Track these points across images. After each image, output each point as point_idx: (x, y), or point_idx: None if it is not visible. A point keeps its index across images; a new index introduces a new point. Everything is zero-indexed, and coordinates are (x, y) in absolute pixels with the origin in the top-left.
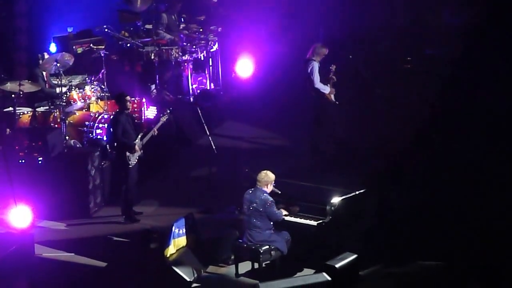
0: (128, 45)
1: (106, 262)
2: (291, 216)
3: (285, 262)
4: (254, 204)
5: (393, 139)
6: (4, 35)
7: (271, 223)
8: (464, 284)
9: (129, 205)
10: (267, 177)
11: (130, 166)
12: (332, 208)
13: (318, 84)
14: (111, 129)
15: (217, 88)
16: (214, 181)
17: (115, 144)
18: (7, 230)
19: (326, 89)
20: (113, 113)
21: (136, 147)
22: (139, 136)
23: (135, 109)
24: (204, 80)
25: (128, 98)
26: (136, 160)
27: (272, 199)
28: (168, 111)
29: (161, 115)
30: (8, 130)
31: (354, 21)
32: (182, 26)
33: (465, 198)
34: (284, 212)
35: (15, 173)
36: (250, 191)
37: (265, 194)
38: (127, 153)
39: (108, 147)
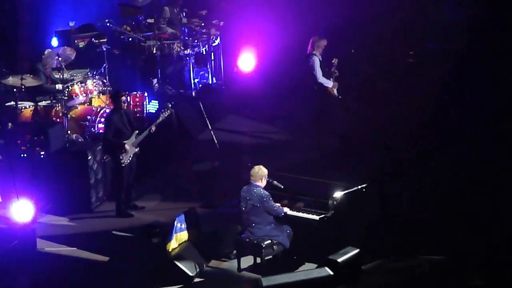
0: (130, 39)
1: (108, 257)
2: (293, 211)
3: (287, 257)
4: (251, 201)
5: (395, 133)
6: (6, 29)
7: (271, 217)
8: (466, 279)
9: (121, 202)
10: (261, 171)
11: (123, 165)
12: (334, 202)
13: (321, 79)
14: (104, 127)
15: (219, 83)
16: (216, 176)
17: (105, 144)
18: (9, 225)
19: (329, 83)
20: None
21: (126, 146)
22: (134, 134)
23: (137, 103)
24: (206, 75)
25: (123, 98)
26: (130, 159)
27: (267, 193)
28: (170, 106)
29: (162, 110)
30: (10, 124)
31: (355, 15)
32: (184, 20)
33: (467, 192)
34: (286, 209)
35: (17, 167)
36: (245, 189)
37: (260, 189)
38: (118, 153)
39: None
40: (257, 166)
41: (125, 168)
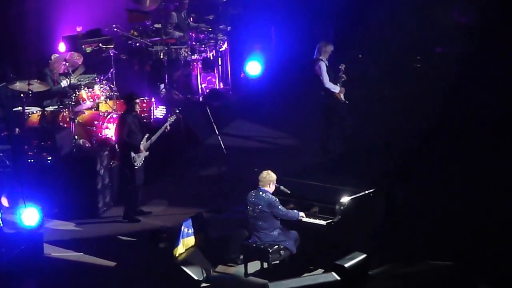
0: (137, 44)
1: (115, 262)
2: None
3: (294, 262)
4: (259, 206)
5: (403, 138)
6: (13, 34)
7: (279, 223)
8: (474, 284)
9: (131, 205)
10: (270, 176)
11: (136, 167)
12: (342, 207)
13: (328, 84)
14: (117, 129)
15: (226, 88)
16: (223, 181)
17: (120, 144)
18: (16, 230)
19: (336, 88)
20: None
21: (141, 147)
22: (145, 137)
23: (144, 109)
24: (213, 80)
25: (137, 101)
26: (142, 161)
27: (276, 198)
28: (177, 111)
29: (169, 115)
30: (17, 129)
31: (363, 20)
32: (191, 25)
33: (475, 198)
34: (302, 213)
35: (24, 172)
36: (253, 194)
37: (268, 195)
38: (132, 154)
39: (116, 147)
40: (266, 171)
41: (136, 171)
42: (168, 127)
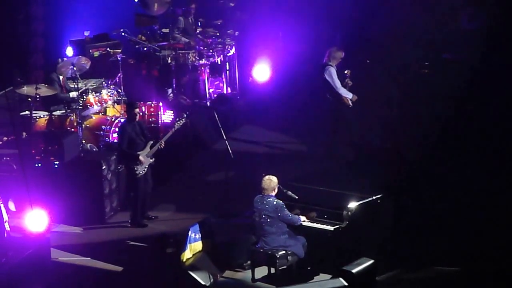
0: (145, 49)
1: (122, 267)
2: (308, 221)
3: (302, 267)
4: (265, 212)
5: (410, 144)
6: (20, 38)
7: (286, 227)
8: None
9: (136, 212)
10: (272, 182)
11: (139, 175)
12: (349, 213)
13: (340, 89)
14: (118, 138)
15: (234, 92)
16: (231, 186)
17: (121, 154)
18: (23, 234)
19: (348, 94)
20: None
21: (141, 157)
22: (149, 145)
23: (152, 113)
24: (221, 84)
25: (137, 111)
26: (146, 169)
27: (282, 202)
28: (185, 116)
29: (177, 119)
30: (24, 134)
31: (371, 25)
32: (199, 30)
33: (483, 203)
34: (303, 218)
35: (31, 177)
36: (258, 199)
37: (274, 200)
38: (133, 164)
39: None
40: (267, 178)
41: (140, 179)
42: (163, 145)
